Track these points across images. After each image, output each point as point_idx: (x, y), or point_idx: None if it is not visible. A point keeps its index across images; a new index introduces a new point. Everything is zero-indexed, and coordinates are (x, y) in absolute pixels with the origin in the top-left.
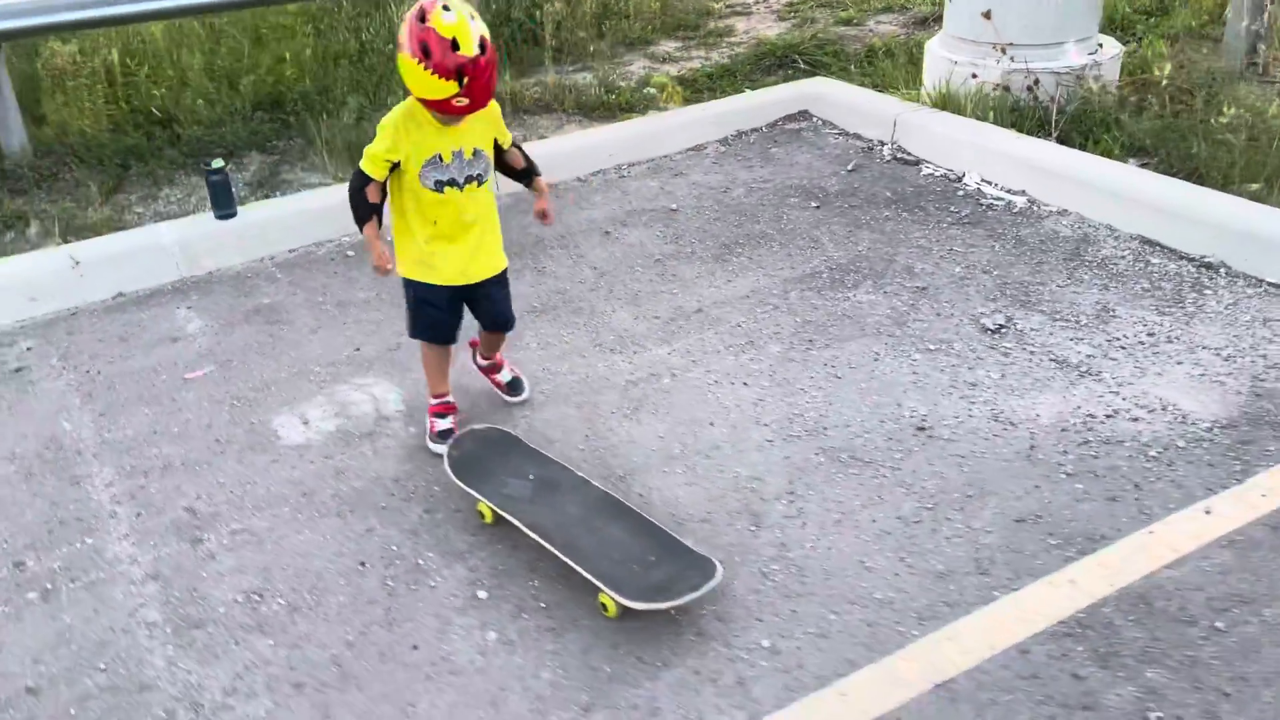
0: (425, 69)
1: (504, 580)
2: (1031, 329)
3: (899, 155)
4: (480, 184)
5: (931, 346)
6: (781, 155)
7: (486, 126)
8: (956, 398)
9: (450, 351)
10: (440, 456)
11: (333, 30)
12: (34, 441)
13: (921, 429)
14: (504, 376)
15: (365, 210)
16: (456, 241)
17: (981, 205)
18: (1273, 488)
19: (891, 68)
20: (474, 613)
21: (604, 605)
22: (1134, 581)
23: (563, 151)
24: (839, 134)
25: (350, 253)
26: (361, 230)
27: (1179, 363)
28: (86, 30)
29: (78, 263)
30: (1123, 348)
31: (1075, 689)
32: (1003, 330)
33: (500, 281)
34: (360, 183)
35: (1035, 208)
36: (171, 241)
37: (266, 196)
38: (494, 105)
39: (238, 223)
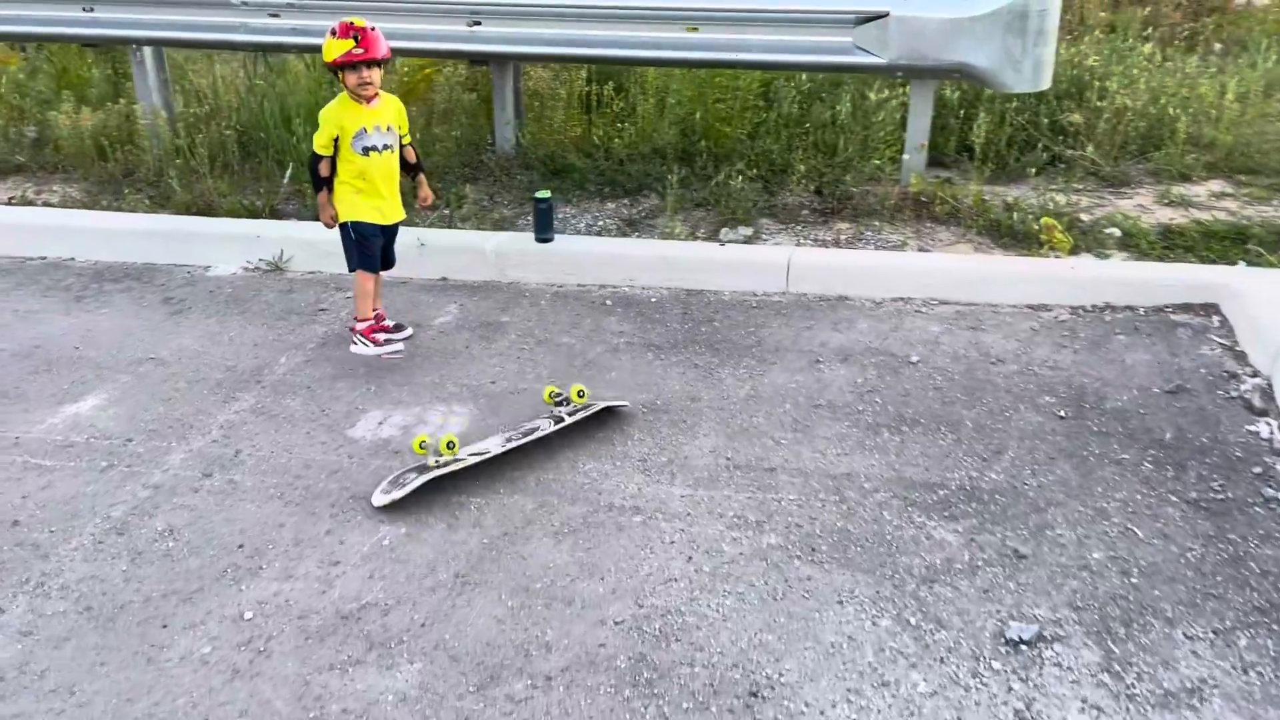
0: (333, 37)
1: (330, 584)
2: (1059, 661)
3: (1252, 395)
4: (390, 151)
5: (914, 620)
6: (1118, 347)
7: (394, 115)
8: (844, 686)
9: (380, 279)
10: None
11: (798, 106)
12: (253, 362)
13: (754, 695)
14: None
15: (319, 181)
16: (377, 193)
17: (1263, 497)
18: None
19: None
20: (275, 605)
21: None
22: None
23: (884, 267)
24: (1222, 345)
25: (609, 301)
26: (317, 195)
27: None
28: (567, 63)
29: (423, 245)
30: None
31: None
32: (1021, 646)
33: (396, 230)
34: (315, 162)
35: None
36: (491, 249)
37: (624, 235)
38: (400, 105)
39: (548, 248)
